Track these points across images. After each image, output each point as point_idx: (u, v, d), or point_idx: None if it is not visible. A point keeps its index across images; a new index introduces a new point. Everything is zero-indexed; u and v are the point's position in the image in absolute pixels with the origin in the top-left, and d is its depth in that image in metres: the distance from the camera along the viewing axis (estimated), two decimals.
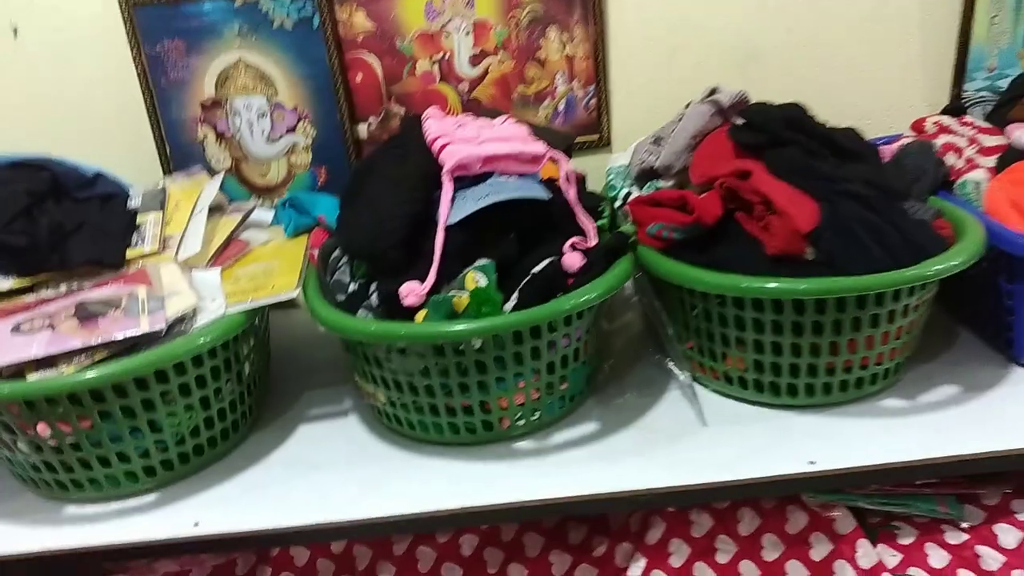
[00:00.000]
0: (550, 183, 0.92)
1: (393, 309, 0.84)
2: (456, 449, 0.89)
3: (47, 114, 1.21)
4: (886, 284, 0.79)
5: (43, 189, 0.94)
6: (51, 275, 0.91)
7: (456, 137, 0.91)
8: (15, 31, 1.16)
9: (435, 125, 0.93)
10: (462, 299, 0.81)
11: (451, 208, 0.85)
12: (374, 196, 0.90)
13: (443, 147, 0.88)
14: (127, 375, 0.77)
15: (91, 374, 0.76)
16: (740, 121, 0.99)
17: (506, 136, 0.92)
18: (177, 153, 1.22)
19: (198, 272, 0.92)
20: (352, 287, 0.93)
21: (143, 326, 0.81)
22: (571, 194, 0.90)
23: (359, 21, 1.17)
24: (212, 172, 1.23)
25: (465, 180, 0.89)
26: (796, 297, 0.81)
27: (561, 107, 1.25)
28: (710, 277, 0.84)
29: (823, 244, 0.82)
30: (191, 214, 1.01)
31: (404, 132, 0.95)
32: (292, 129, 1.22)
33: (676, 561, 0.90)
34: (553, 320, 0.82)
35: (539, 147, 0.91)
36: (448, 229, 0.84)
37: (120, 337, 0.79)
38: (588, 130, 1.25)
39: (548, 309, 0.80)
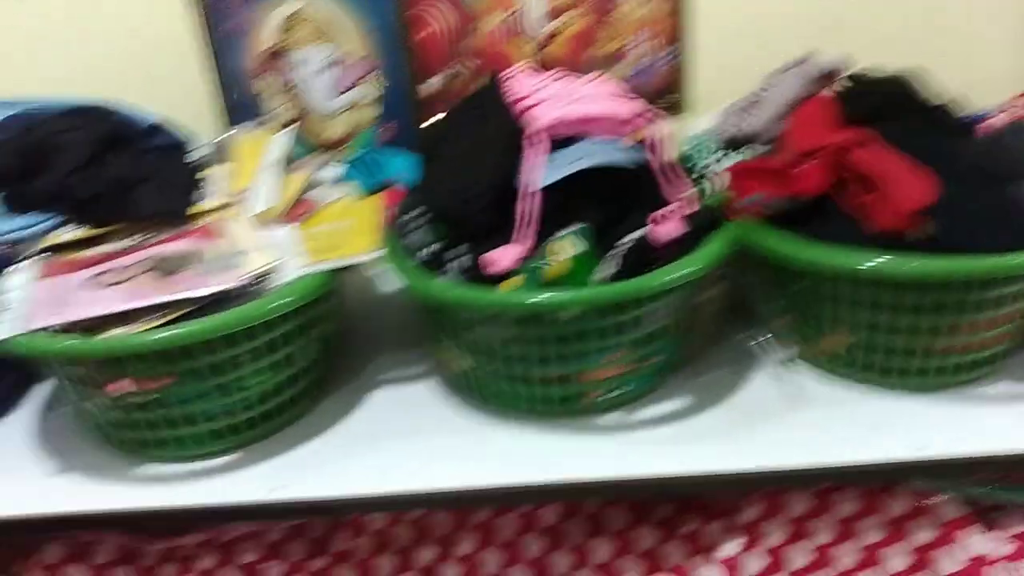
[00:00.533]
0: (642, 145, 0.87)
1: (480, 275, 0.81)
2: (539, 420, 0.86)
3: (97, 60, 1.16)
4: None
5: (105, 138, 0.90)
6: (118, 227, 0.88)
7: (542, 97, 0.86)
8: None
9: (522, 83, 0.88)
10: (556, 266, 0.78)
11: (541, 171, 0.81)
12: (458, 157, 0.86)
13: (529, 108, 0.84)
14: (218, 332, 0.74)
15: (182, 330, 0.73)
16: (843, 89, 0.94)
17: (597, 95, 0.88)
18: (235, 106, 1.18)
19: (272, 229, 0.89)
20: (429, 250, 0.89)
21: (225, 282, 0.77)
22: (665, 158, 0.86)
23: None
24: (277, 126, 1.18)
25: (555, 142, 0.84)
26: (937, 280, 0.77)
27: (636, 69, 1.20)
28: (842, 256, 0.79)
29: (943, 221, 0.78)
30: (260, 168, 0.97)
31: (484, 91, 0.91)
32: (357, 84, 1.17)
33: (772, 542, 0.88)
34: (656, 291, 0.78)
35: (633, 107, 0.87)
36: (543, 194, 0.80)
37: (203, 294, 0.76)
38: (664, 94, 1.20)
39: (657, 280, 0.76)
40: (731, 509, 0.91)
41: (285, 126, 1.19)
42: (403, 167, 0.98)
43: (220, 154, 0.98)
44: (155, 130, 0.95)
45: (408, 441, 0.84)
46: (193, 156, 0.96)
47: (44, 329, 0.74)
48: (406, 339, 1.02)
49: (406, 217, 0.93)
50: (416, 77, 1.17)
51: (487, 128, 0.85)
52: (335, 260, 0.83)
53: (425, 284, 0.81)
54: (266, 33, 1.14)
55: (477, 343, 0.83)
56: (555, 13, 1.16)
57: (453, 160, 0.85)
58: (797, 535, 0.88)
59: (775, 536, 0.89)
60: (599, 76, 0.93)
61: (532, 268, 0.78)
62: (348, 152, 1.21)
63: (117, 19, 1.14)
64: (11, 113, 1.00)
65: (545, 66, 1.18)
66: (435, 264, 0.86)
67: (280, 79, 1.17)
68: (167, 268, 0.79)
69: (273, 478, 0.80)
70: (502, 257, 0.78)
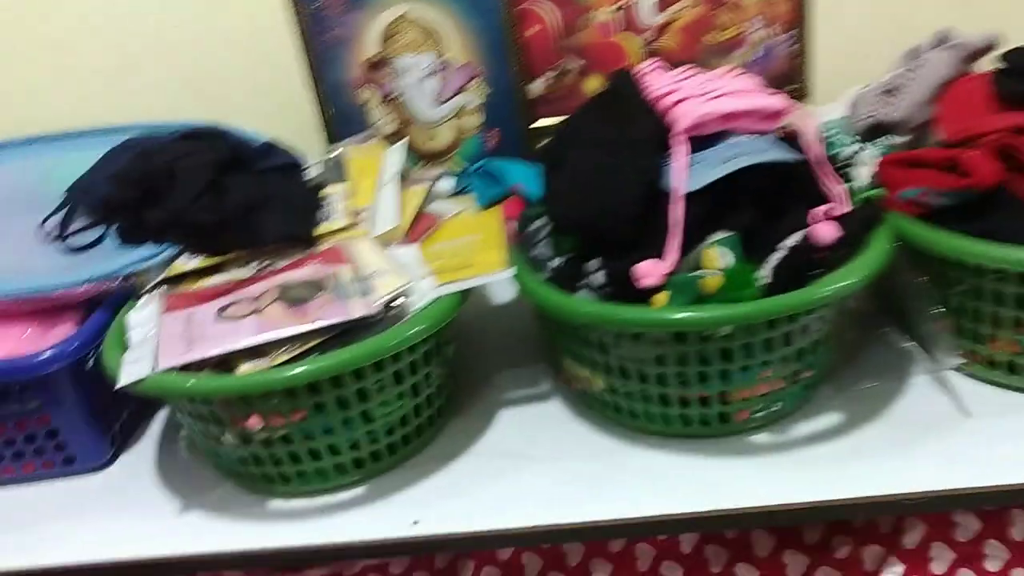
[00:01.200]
0: (792, 141, 0.82)
1: (622, 290, 0.76)
2: (683, 441, 0.81)
3: (196, 75, 1.16)
4: None
5: (222, 162, 0.88)
6: (239, 254, 0.86)
7: (682, 94, 0.81)
8: None
9: (658, 79, 0.83)
10: (711, 280, 0.72)
11: (687, 174, 0.76)
12: (590, 163, 0.81)
13: (674, 104, 0.79)
14: (349, 366, 0.71)
15: (314, 365, 0.70)
16: (1000, 67, 0.86)
17: (741, 89, 0.82)
18: (339, 118, 1.16)
19: (396, 248, 0.86)
20: (556, 263, 0.85)
21: (356, 310, 0.74)
22: (817, 153, 0.80)
23: None
24: (382, 138, 1.16)
25: (695, 142, 0.79)
26: None
27: (755, 56, 1.13)
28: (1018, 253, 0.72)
29: None
30: (378, 185, 0.94)
31: (614, 89, 0.86)
32: (461, 89, 1.14)
33: (938, 567, 0.81)
34: (820, 303, 0.72)
35: (780, 101, 0.81)
36: (686, 199, 0.75)
37: (335, 323, 0.73)
38: (785, 81, 1.13)
39: (823, 291, 0.71)
40: (889, 532, 0.85)
41: (390, 138, 1.16)
42: (522, 176, 0.94)
43: (336, 172, 0.96)
44: (268, 150, 0.94)
45: (546, 467, 0.81)
46: (309, 175, 0.94)
47: (174, 368, 0.72)
48: (525, 353, 0.98)
49: (531, 229, 0.89)
50: (521, 79, 1.13)
51: (623, 130, 0.80)
52: (466, 280, 0.80)
53: (562, 302, 0.77)
54: (367, 42, 1.11)
55: (614, 362, 0.78)
56: (667, 2, 1.10)
57: (586, 167, 0.80)
58: (965, 560, 0.82)
59: (940, 562, 0.82)
60: (733, 69, 0.88)
61: (681, 282, 0.73)
62: (455, 161, 1.18)
63: (217, 33, 1.13)
64: (122, 140, 1.01)
65: (657, 58, 1.13)
66: (566, 278, 0.82)
67: (382, 89, 1.14)
68: (295, 297, 0.77)
69: (404, 513, 0.77)
70: (651, 271, 0.73)
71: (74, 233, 0.89)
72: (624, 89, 0.84)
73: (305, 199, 0.89)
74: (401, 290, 0.77)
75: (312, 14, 1.09)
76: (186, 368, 0.72)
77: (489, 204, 0.95)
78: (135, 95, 1.16)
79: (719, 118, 0.78)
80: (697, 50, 1.13)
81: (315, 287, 0.78)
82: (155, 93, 1.16)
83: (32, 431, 0.83)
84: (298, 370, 0.70)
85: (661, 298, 0.73)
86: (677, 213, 0.74)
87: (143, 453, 0.90)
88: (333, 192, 0.92)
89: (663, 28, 1.12)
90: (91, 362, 0.81)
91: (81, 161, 0.98)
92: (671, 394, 0.78)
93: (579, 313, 0.76)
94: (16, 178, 1.04)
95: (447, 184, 1.01)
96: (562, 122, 0.90)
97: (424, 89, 1.14)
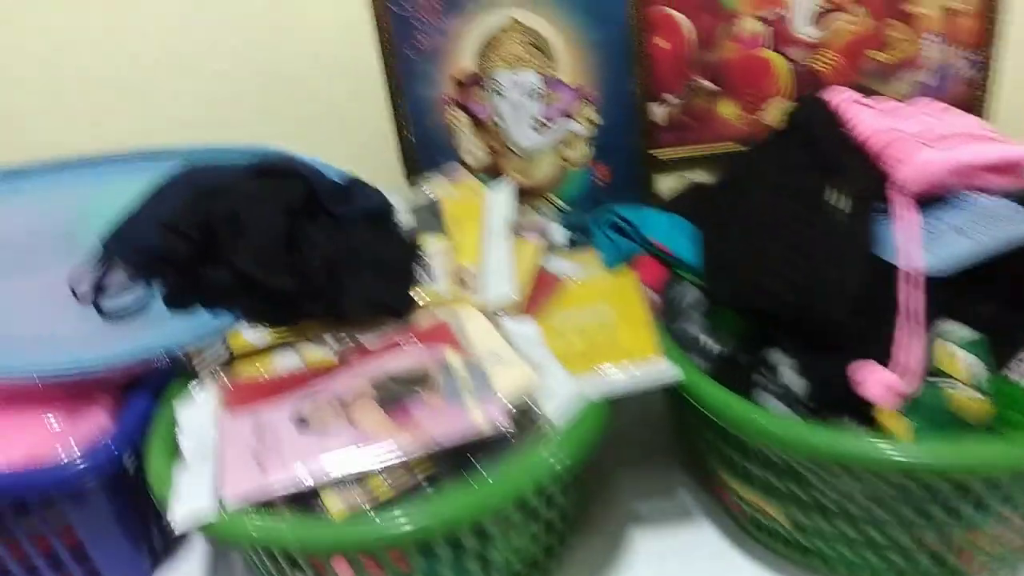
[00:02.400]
0: None
1: (826, 398, 0.58)
2: None
3: (255, 90, 0.99)
4: None
5: (301, 205, 0.71)
6: (316, 324, 0.69)
7: (897, 135, 0.63)
8: None
9: (863, 114, 0.65)
10: (969, 401, 0.54)
11: (919, 246, 0.58)
12: (781, 221, 0.63)
13: (894, 150, 0.61)
14: (475, 514, 0.54)
15: (430, 519, 0.53)
16: None
17: (972, 133, 0.64)
18: (421, 144, 0.98)
19: (513, 323, 0.68)
20: (714, 347, 0.67)
21: (478, 421, 0.57)
22: None
23: None
24: (475, 171, 0.98)
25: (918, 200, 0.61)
26: None
27: (928, 80, 0.95)
28: None
29: None
30: (484, 236, 0.77)
31: (806, 123, 0.68)
32: (569, 113, 0.96)
33: None
34: None
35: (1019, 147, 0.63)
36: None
37: (451, 440, 0.56)
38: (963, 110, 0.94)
39: None
40: None
41: (480, 170, 0.99)
42: (663, 229, 0.76)
43: (431, 217, 0.78)
44: (352, 190, 0.77)
45: None
46: (401, 223, 0.76)
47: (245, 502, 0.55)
48: (649, 451, 0.81)
49: (678, 300, 0.72)
50: (643, 101, 0.95)
51: (825, 180, 0.62)
52: (614, 378, 0.62)
53: (758, 420, 0.58)
54: (462, 54, 0.94)
55: (810, 495, 0.60)
56: (826, 12, 0.92)
57: (774, 226, 0.63)
58: None
59: None
60: (936, 104, 0.69)
61: (928, 402, 0.55)
62: (553, 199, 1.00)
63: (282, 35, 0.96)
64: (171, 167, 0.84)
65: (806, 80, 0.95)
66: (735, 372, 0.64)
67: (475, 110, 0.97)
68: (395, 395, 0.60)
69: None
70: (880, 381, 0.55)
71: (111, 292, 0.73)
72: (820, 125, 0.66)
73: (399, 256, 0.72)
74: (527, 389, 0.60)
75: (399, 18, 0.92)
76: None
77: (619, 264, 0.77)
78: (185, 109, 0.99)
79: (956, 171, 0.60)
80: (858, 70, 0.94)
81: (419, 381, 0.61)
82: (208, 106, 0.99)
83: (54, 550, 0.66)
84: (408, 527, 0.52)
85: (895, 421, 0.55)
86: (915, 301, 0.56)
87: (189, 572, 0.72)
88: (430, 245, 0.74)
89: (819, 43, 0.93)
90: (130, 467, 0.65)
91: (121, 193, 0.82)
92: (878, 539, 0.60)
93: (791, 441, 0.57)
94: (42, 213, 0.87)
95: (560, 234, 0.83)
96: (730, 163, 0.73)
97: (524, 112, 0.96)
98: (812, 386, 0.59)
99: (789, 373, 0.61)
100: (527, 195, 1.00)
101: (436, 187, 0.88)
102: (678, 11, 0.92)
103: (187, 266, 0.69)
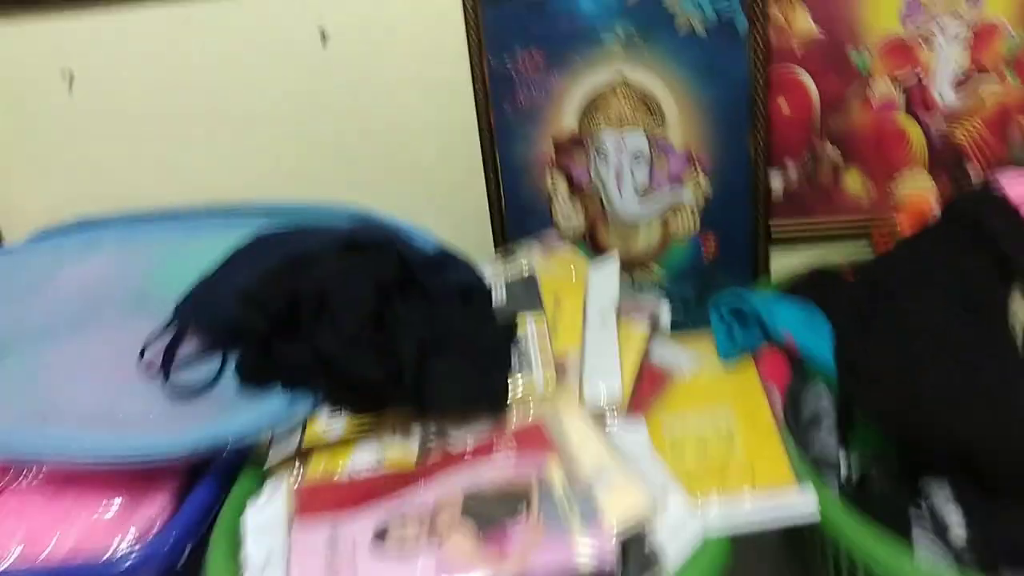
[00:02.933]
0: None
1: (1006, 558, 0.49)
2: None
3: (345, 146, 0.94)
4: None
5: (390, 281, 0.65)
6: (399, 414, 0.63)
7: None
8: (323, 35, 0.89)
9: None
10: None
11: None
12: (947, 335, 0.55)
13: None
14: None
15: None
16: None
17: None
18: (514, 207, 0.92)
19: (619, 428, 0.60)
20: (846, 467, 0.58)
21: (583, 555, 0.49)
22: None
23: (800, 24, 0.82)
24: (571, 241, 0.92)
25: None
26: None
27: None
28: None
29: None
30: (583, 317, 0.69)
31: (975, 216, 0.60)
32: (678, 179, 0.88)
33: None
34: None
35: None
36: None
37: (550, 573, 0.48)
38: None
39: None
40: None
41: (584, 240, 0.92)
42: (793, 319, 0.67)
43: (526, 293, 0.72)
44: (444, 262, 0.71)
45: None
46: (496, 301, 0.70)
47: None
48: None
49: (810, 409, 0.63)
50: (761, 168, 0.87)
51: (1003, 288, 0.53)
52: (741, 509, 0.53)
53: (899, 563, 0.49)
54: (564, 112, 0.88)
55: None
56: (974, 75, 0.83)
57: (935, 338, 0.54)
58: None
59: None
60: None
61: None
62: (664, 274, 0.92)
63: (370, 85, 0.91)
64: (251, 226, 0.80)
65: (949, 148, 0.85)
66: (885, 506, 0.55)
67: (574, 174, 0.90)
68: (487, 516, 0.52)
69: None
70: None
71: (181, 363, 0.67)
72: (997, 219, 0.57)
73: (495, 341, 0.65)
74: (642, 517, 0.52)
75: (499, 73, 0.86)
76: None
77: (738, 357, 0.69)
78: (272, 163, 0.95)
79: None
80: (1004, 140, 0.85)
81: (514, 499, 0.53)
82: (296, 161, 0.95)
83: None
84: None
85: None
86: None
87: None
88: (526, 326, 0.67)
89: (961, 110, 0.84)
90: (185, 566, 0.59)
91: (201, 251, 0.78)
92: None
93: None
94: (116, 267, 0.84)
95: (665, 315, 0.75)
96: (881, 257, 0.64)
97: (628, 176, 0.89)
98: (982, 539, 0.50)
99: (952, 518, 0.51)
100: (625, 266, 0.93)
101: (531, 257, 0.81)
102: (805, 70, 0.84)
103: (265, 342, 0.64)
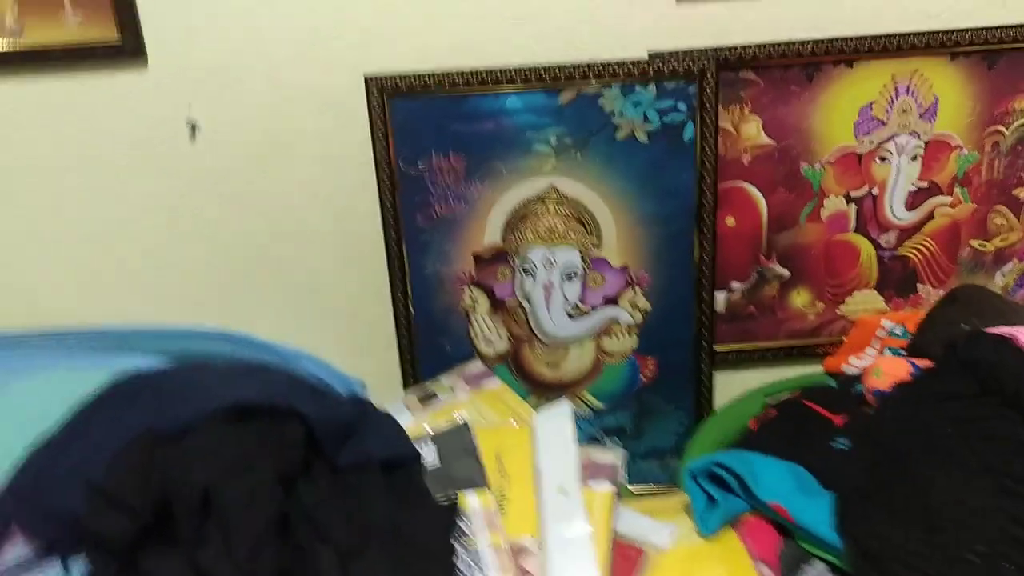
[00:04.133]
0: None
1: None
2: None
3: (232, 261, 0.80)
4: None
5: (295, 465, 0.51)
6: None
7: None
8: (193, 128, 0.75)
9: None
10: None
11: None
12: (973, 510, 0.46)
13: None
14: None
15: None
16: None
17: None
18: (425, 330, 0.79)
19: None
20: None
21: None
22: None
23: (750, 133, 0.76)
24: (487, 360, 0.80)
25: None
26: None
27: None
28: None
29: None
30: (536, 485, 0.57)
31: (989, 369, 0.52)
32: (613, 299, 0.79)
33: None
34: None
35: None
36: None
37: None
38: None
39: None
40: None
41: (507, 362, 0.80)
42: (779, 483, 0.58)
43: (468, 457, 0.59)
44: (355, 419, 0.57)
45: None
46: (426, 465, 0.57)
47: None
48: None
49: None
50: (704, 287, 0.79)
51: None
52: None
53: None
54: (488, 225, 0.77)
55: None
56: (927, 193, 0.78)
57: (957, 512, 0.46)
58: None
59: None
60: None
61: None
62: (597, 399, 0.82)
63: (272, 185, 0.77)
64: (129, 376, 0.63)
65: (895, 269, 0.80)
66: None
67: (496, 292, 0.79)
68: None
69: None
70: None
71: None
72: (1014, 374, 0.50)
73: (432, 534, 0.51)
74: None
75: (411, 180, 0.75)
76: None
77: (719, 528, 0.58)
78: (123, 276, 0.79)
79: None
80: (954, 260, 0.81)
81: None
82: (179, 280, 0.79)
83: None
84: None
85: None
86: None
87: None
88: (474, 509, 0.55)
89: (914, 228, 0.79)
90: None
91: (26, 402, 0.61)
92: None
93: None
94: None
95: (622, 470, 0.64)
96: (878, 410, 0.56)
97: (558, 294, 0.79)
98: None
99: None
100: (549, 389, 0.82)
101: (456, 397, 0.69)
102: (754, 186, 0.77)
103: (127, 552, 0.48)
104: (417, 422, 0.65)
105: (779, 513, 0.57)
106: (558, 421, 0.62)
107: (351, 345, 0.82)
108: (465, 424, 0.63)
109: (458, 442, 0.61)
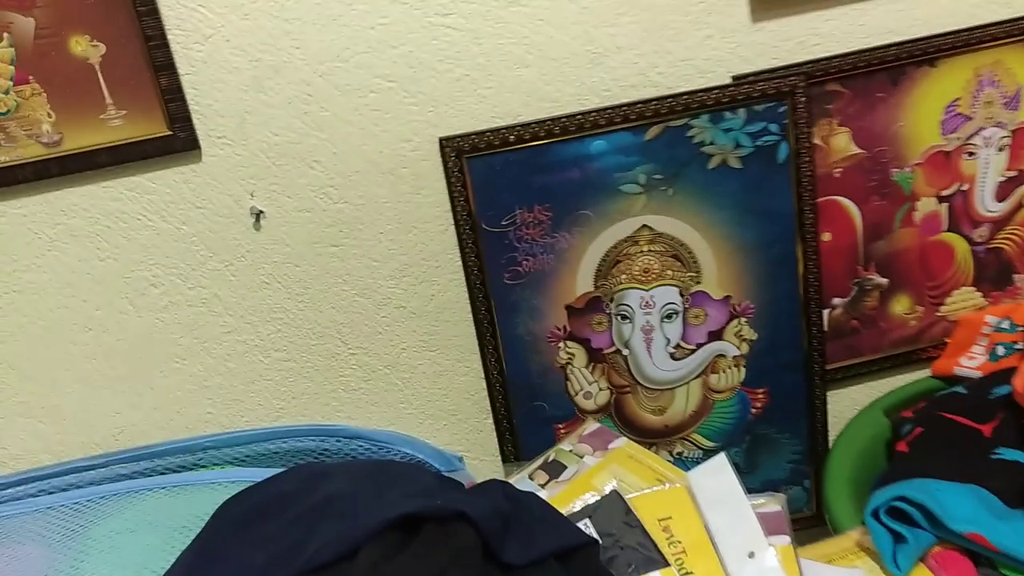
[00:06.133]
0: None
1: None
2: None
3: (292, 341, 0.76)
4: None
5: (479, 567, 0.48)
6: None
7: None
8: (258, 216, 0.72)
9: None
10: None
11: None
12: None
13: None
14: None
15: None
16: None
17: None
18: (520, 393, 0.77)
19: None
20: None
21: None
22: None
23: (840, 145, 0.74)
24: (587, 414, 0.77)
25: None
26: None
27: None
28: None
29: None
30: (716, 551, 0.55)
31: None
32: (718, 334, 0.77)
33: None
34: None
35: None
36: None
37: None
38: None
39: None
40: None
41: (610, 414, 0.77)
42: (968, 509, 0.56)
43: (626, 529, 0.56)
44: (514, 509, 0.53)
45: None
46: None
47: None
48: None
49: None
50: (814, 306, 0.77)
51: None
52: None
53: None
54: (580, 274, 0.74)
55: None
56: (1017, 182, 0.78)
57: None
58: None
59: None
60: None
61: None
62: (708, 439, 0.79)
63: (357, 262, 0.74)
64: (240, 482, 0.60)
65: (994, 258, 0.79)
66: None
67: (592, 342, 0.76)
68: None
69: None
70: None
71: None
72: None
73: None
74: None
75: (493, 238, 0.72)
76: None
77: (910, 565, 0.56)
78: (197, 384, 0.75)
79: None
80: None
81: None
82: (241, 367, 0.76)
83: None
84: None
85: None
86: None
87: None
88: None
89: (1005, 219, 0.79)
90: None
91: (139, 527, 0.57)
92: None
93: None
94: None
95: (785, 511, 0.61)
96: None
97: (659, 336, 0.76)
98: None
99: None
100: (657, 435, 0.79)
101: (585, 463, 0.66)
102: (847, 198, 0.76)
103: None
104: (558, 499, 0.62)
105: (977, 542, 0.55)
106: (719, 477, 0.60)
107: (443, 420, 0.79)
108: (615, 493, 0.60)
109: (615, 515, 0.59)
